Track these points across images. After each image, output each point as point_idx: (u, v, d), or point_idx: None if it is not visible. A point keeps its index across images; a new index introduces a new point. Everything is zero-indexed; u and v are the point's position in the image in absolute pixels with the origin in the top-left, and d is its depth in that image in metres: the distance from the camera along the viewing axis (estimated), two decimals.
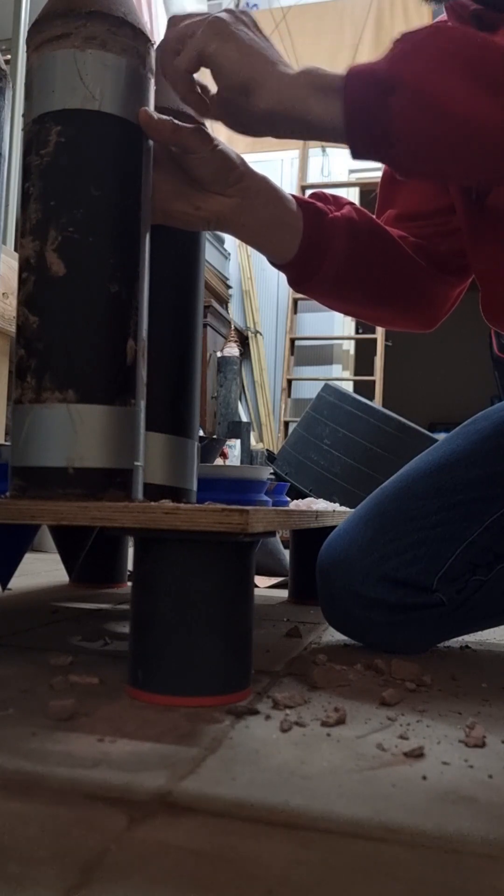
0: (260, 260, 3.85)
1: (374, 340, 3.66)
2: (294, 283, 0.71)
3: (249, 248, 3.97)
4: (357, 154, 0.57)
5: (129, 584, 0.55)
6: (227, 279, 3.76)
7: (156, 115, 0.57)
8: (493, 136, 0.54)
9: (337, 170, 3.85)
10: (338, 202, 0.72)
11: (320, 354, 3.80)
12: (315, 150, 3.84)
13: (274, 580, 1.34)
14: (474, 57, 0.54)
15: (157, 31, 2.62)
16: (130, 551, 1.11)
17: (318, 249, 0.68)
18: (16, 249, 1.63)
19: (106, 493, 0.54)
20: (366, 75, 0.55)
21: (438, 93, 0.53)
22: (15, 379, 0.55)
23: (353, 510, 0.81)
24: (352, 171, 3.82)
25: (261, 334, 3.79)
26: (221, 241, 3.68)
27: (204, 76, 0.57)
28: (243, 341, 3.71)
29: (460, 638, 0.83)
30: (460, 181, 0.72)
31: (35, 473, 0.53)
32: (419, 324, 0.82)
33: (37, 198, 0.55)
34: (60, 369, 0.53)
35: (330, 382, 2.43)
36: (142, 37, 0.58)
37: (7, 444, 0.73)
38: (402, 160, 0.58)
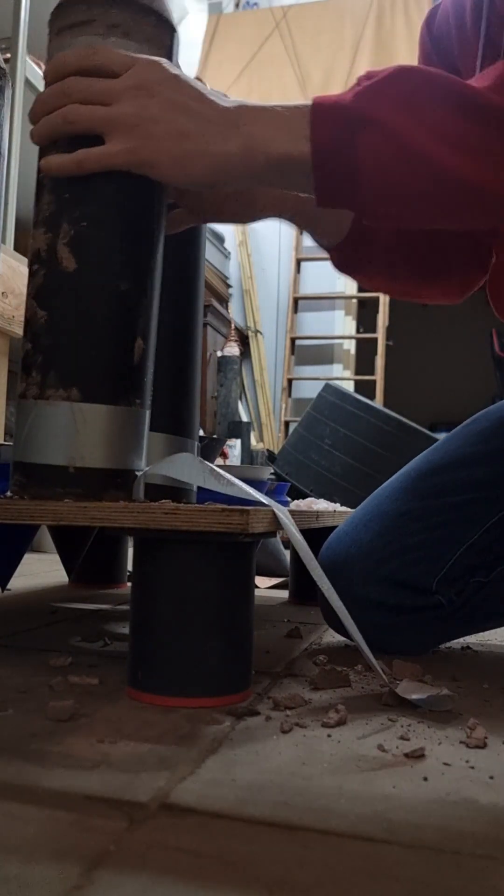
0: (260, 259, 3.86)
1: (375, 340, 3.66)
2: (340, 265, 0.72)
3: (250, 247, 3.95)
4: (322, 197, 0.54)
5: (129, 584, 0.55)
6: (228, 278, 3.76)
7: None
8: (457, 181, 0.52)
9: None
10: None
11: (321, 354, 3.80)
12: None
13: (274, 581, 1.34)
14: (438, 98, 0.52)
15: None
16: (130, 551, 1.11)
17: (369, 233, 0.69)
18: (16, 248, 1.63)
19: (106, 494, 0.53)
20: (333, 108, 0.52)
21: (407, 133, 0.51)
22: (21, 373, 0.54)
23: (353, 510, 0.81)
24: None
25: (261, 334, 3.79)
26: (221, 240, 3.68)
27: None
28: (244, 341, 3.71)
29: (462, 639, 0.83)
30: (430, 227, 0.69)
31: (36, 470, 0.53)
32: (453, 295, 0.82)
33: (50, 189, 0.54)
34: (66, 367, 0.52)
35: (330, 382, 2.43)
36: (166, 25, 0.56)
37: (7, 444, 0.73)
38: (368, 203, 0.55)
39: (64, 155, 0.52)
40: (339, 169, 0.52)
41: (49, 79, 0.53)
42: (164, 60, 0.53)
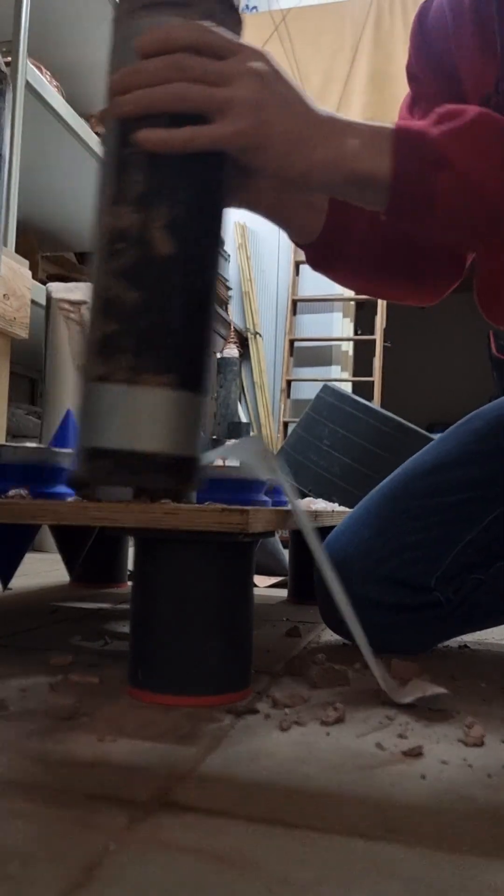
0: (259, 262, 3.87)
1: (373, 341, 3.66)
2: (314, 262, 0.73)
3: (249, 250, 3.94)
4: (392, 216, 0.58)
5: (129, 584, 0.55)
6: (227, 281, 3.76)
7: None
8: None
9: None
10: None
11: (319, 355, 3.80)
12: None
13: (273, 580, 1.35)
14: None
15: None
16: (130, 551, 1.11)
17: (343, 231, 0.70)
18: (17, 250, 1.63)
19: (190, 483, 0.52)
20: (418, 141, 0.55)
21: (481, 181, 0.55)
22: (94, 354, 0.51)
23: (351, 510, 0.82)
24: None
25: (260, 335, 3.79)
26: (221, 244, 3.68)
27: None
28: (243, 342, 3.71)
29: (459, 638, 0.83)
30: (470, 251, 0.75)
31: (126, 457, 0.50)
32: (424, 297, 0.83)
33: (142, 167, 0.51)
34: (162, 352, 0.50)
35: (329, 383, 2.43)
36: (240, 24, 0.55)
37: (7, 444, 0.73)
38: (433, 230, 0.59)
39: (169, 130, 0.50)
40: (415, 198, 0.55)
41: (152, 49, 0.50)
42: (268, 52, 0.53)
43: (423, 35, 0.80)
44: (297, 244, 0.72)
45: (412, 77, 0.82)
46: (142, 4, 0.51)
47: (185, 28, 0.50)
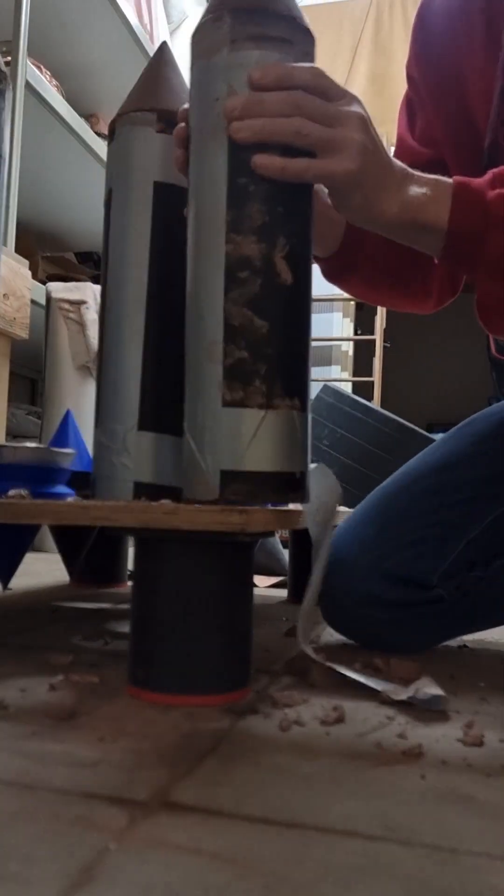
0: None
1: (373, 341, 3.66)
2: (329, 274, 0.76)
3: None
4: (444, 261, 0.63)
5: (129, 583, 0.55)
6: None
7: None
8: None
9: None
10: None
11: (319, 355, 3.80)
12: None
13: (273, 580, 1.35)
14: None
15: (156, 34, 2.62)
16: (130, 551, 1.11)
17: (359, 244, 0.74)
18: (17, 250, 1.63)
19: (304, 498, 0.56)
20: (474, 200, 0.59)
21: None
22: (228, 380, 0.53)
23: (352, 510, 0.82)
24: None
25: None
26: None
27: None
28: None
29: (458, 638, 0.83)
30: None
31: (268, 479, 0.53)
32: (424, 308, 0.88)
33: (262, 199, 0.53)
34: (291, 377, 0.54)
35: (328, 383, 2.43)
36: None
37: (7, 444, 0.73)
38: (480, 278, 0.64)
39: (285, 159, 0.53)
40: (467, 250, 0.61)
41: (272, 84, 0.54)
42: (360, 100, 0.58)
43: (425, 34, 0.80)
44: (314, 258, 0.73)
45: (409, 77, 0.83)
46: (248, 36, 0.54)
47: (303, 70, 0.54)
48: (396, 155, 0.82)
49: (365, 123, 0.56)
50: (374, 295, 0.85)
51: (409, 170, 0.60)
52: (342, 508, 1.04)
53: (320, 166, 0.55)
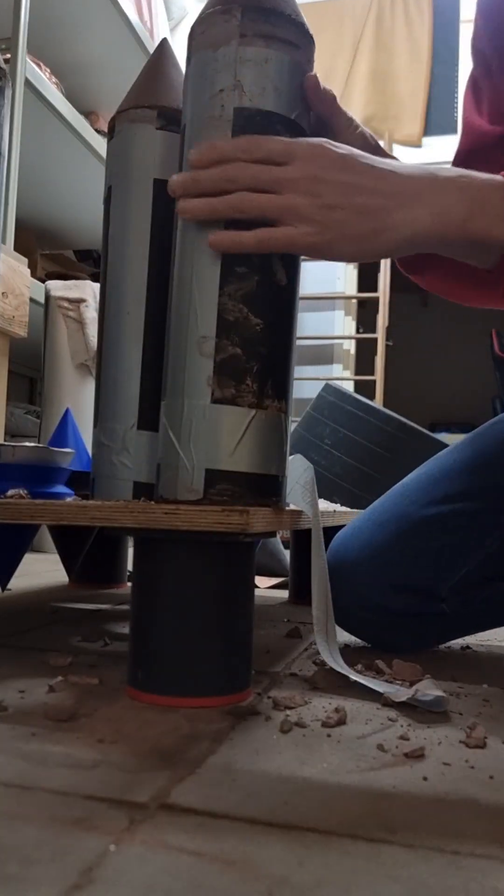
0: None
1: (375, 340, 3.66)
2: (407, 266, 0.73)
3: None
4: (493, 271, 0.62)
5: (129, 584, 0.55)
6: None
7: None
8: None
9: None
10: None
11: (321, 354, 3.80)
12: None
13: (274, 580, 1.34)
14: None
15: (156, 31, 2.61)
16: (130, 551, 1.11)
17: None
18: (16, 248, 1.62)
19: (281, 500, 0.55)
20: None
21: None
22: (219, 376, 0.51)
23: (353, 510, 0.81)
24: None
25: None
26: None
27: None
28: None
29: (461, 639, 0.83)
30: None
31: (253, 480, 0.52)
32: (494, 302, 0.81)
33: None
34: (279, 378, 0.53)
35: (331, 382, 2.43)
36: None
37: (6, 444, 0.73)
38: None
39: (240, 233, 0.51)
40: None
41: (205, 163, 0.52)
42: (326, 141, 0.53)
43: (489, 4, 0.75)
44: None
45: (476, 53, 0.76)
46: (258, 33, 0.53)
47: (232, 145, 0.51)
48: (463, 140, 0.75)
49: (314, 179, 0.51)
50: (448, 288, 0.77)
51: (435, 173, 0.53)
52: (344, 508, 1.04)
53: (277, 236, 0.51)
